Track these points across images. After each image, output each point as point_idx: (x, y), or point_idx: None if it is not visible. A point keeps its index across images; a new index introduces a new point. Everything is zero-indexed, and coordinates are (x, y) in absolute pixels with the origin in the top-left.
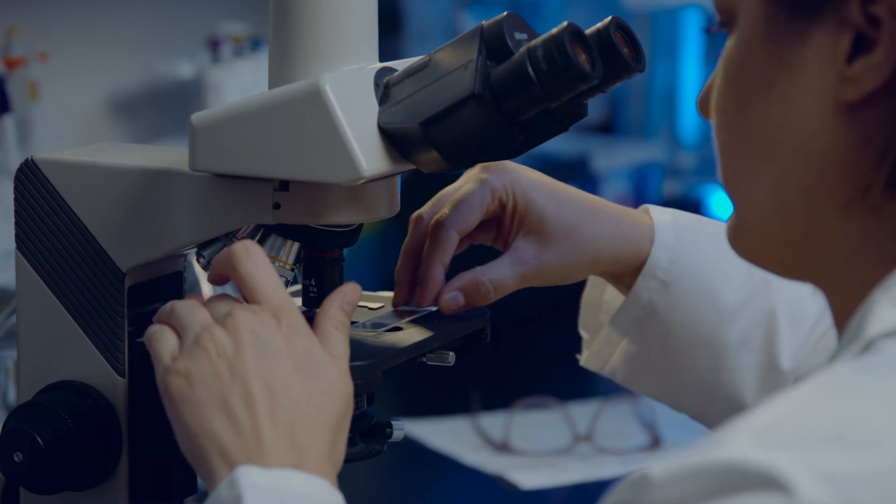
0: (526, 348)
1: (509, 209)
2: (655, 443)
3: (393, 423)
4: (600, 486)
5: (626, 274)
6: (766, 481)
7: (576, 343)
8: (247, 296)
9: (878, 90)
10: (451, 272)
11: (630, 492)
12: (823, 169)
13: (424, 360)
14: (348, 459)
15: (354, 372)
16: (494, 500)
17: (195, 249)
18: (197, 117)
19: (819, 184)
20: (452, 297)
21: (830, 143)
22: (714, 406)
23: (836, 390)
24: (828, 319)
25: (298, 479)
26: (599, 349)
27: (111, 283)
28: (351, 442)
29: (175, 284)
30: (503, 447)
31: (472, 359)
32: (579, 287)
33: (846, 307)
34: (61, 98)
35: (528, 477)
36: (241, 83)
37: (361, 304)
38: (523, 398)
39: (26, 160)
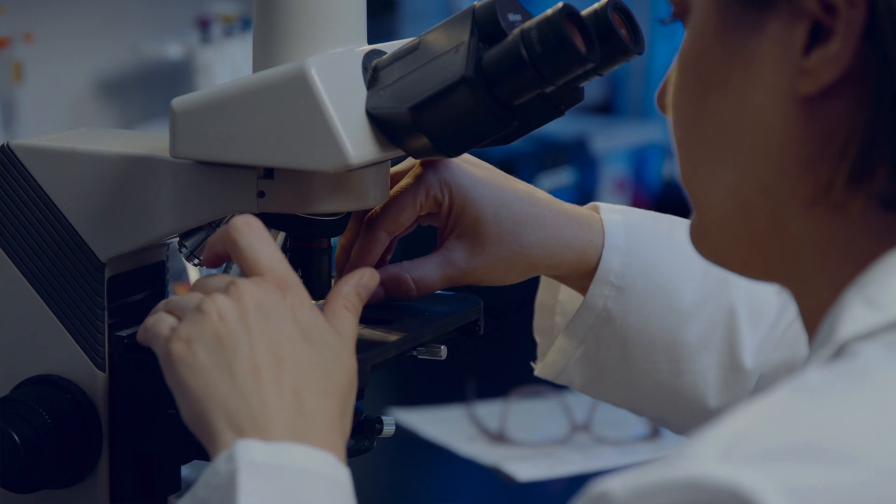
0: (523, 335)
1: (444, 207)
2: (655, 433)
3: (383, 418)
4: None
5: (570, 277)
6: (732, 499)
7: None
8: (248, 269)
9: (836, 82)
10: (411, 252)
11: None
12: (784, 165)
13: (415, 353)
14: None
15: None
16: (490, 493)
17: (177, 239)
18: (178, 102)
19: (780, 181)
20: (375, 289)
21: (790, 138)
22: (676, 410)
23: (807, 400)
24: (791, 312)
25: (301, 453)
26: (554, 360)
27: (90, 273)
28: None
29: (157, 275)
30: (499, 437)
31: (468, 346)
32: None
33: (815, 308)
34: (47, 80)
35: (524, 468)
36: (231, 64)
37: None
38: (520, 386)
39: (1, 146)
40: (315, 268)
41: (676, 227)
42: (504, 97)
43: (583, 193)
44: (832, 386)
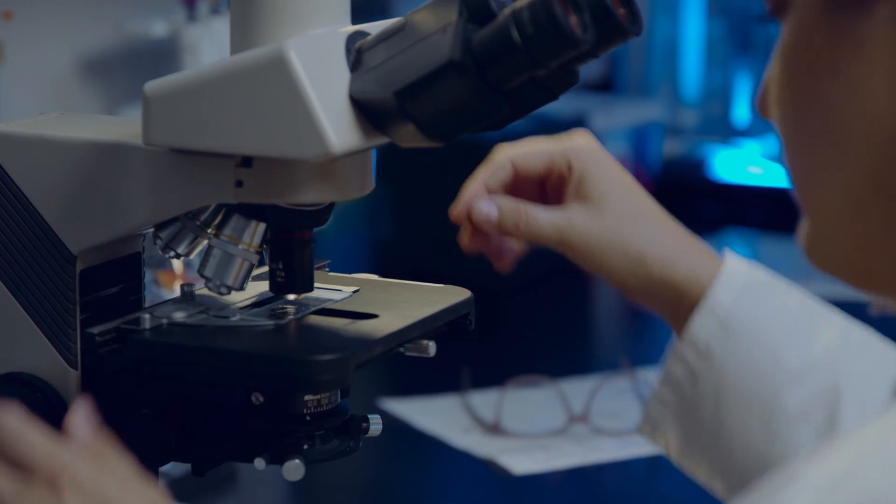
0: (519, 322)
1: (576, 172)
2: None
3: (370, 416)
4: (596, 471)
5: (672, 300)
6: None
7: (572, 316)
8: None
9: None
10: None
11: None
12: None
13: (402, 350)
14: (320, 459)
15: (323, 367)
16: (485, 487)
17: (152, 230)
18: (151, 87)
19: (894, 175)
20: (488, 208)
21: None
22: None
23: None
24: None
25: None
26: (651, 411)
27: (61, 266)
28: (324, 439)
29: (133, 267)
30: (494, 428)
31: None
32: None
33: None
34: (27, 60)
35: (520, 461)
36: (218, 43)
37: (334, 287)
38: (516, 376)
39: None
40: (298, 260)
41: (796, 290)
42: (494, 81)
43: None
44: None
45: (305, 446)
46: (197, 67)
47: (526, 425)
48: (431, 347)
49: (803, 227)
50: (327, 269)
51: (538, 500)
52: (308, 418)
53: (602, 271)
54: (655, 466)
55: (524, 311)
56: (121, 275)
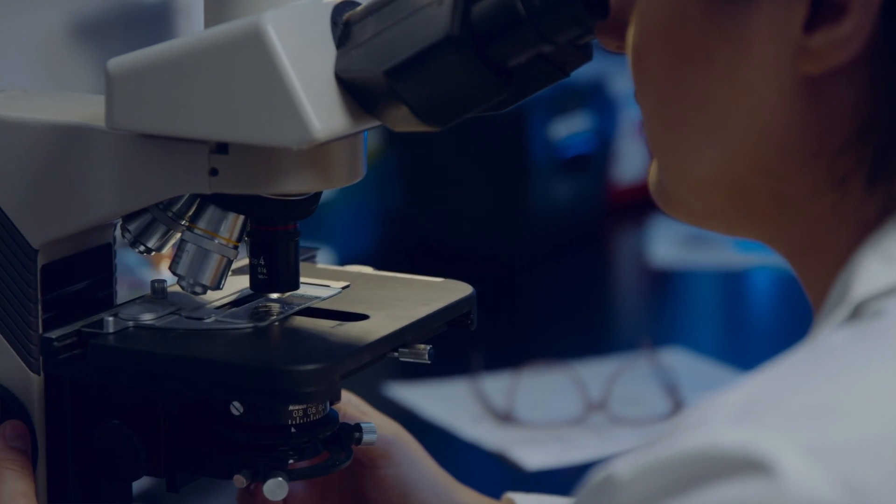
0: (534, 301)
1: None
2: (678, 411)
3: (362, 425)
4: None
5: None
6: (747, 464)
7: (588, 290)
8: None
9: (847, 64)
10: None
11: (594, 497)
12: (786, 147)
13: (396, 355)
14: (307, 475)
15: (305, 378)
16: (495, 483)
17: (120, 222)
18: (114, 64)
19: (782, 163)
20: None
21: (791, 118)
22: None
23: (827, 359)
24: None
25: None
26: None
27: (20, 261)
28: (313, 450)
29: (102, 259)
30: (506, 417)
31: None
32: (597, 228)
33: (824, 279)
34: (15, 25)
35: (533, 455)
36: None
37: (322, 282)
38: (530, 359)
39: None
40: (281, 254)
41: None
42: (497, 59)
43: (601, 139)
44: (854, 345)
45: (290, 461)
46: (166, 43)
47: (540, 414)
48: (428, 352)
49: (659, 182)
50: (316, 260)
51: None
52: (293, 430)
53: None
54: None
55: (538, 286)
56: (89, 268)
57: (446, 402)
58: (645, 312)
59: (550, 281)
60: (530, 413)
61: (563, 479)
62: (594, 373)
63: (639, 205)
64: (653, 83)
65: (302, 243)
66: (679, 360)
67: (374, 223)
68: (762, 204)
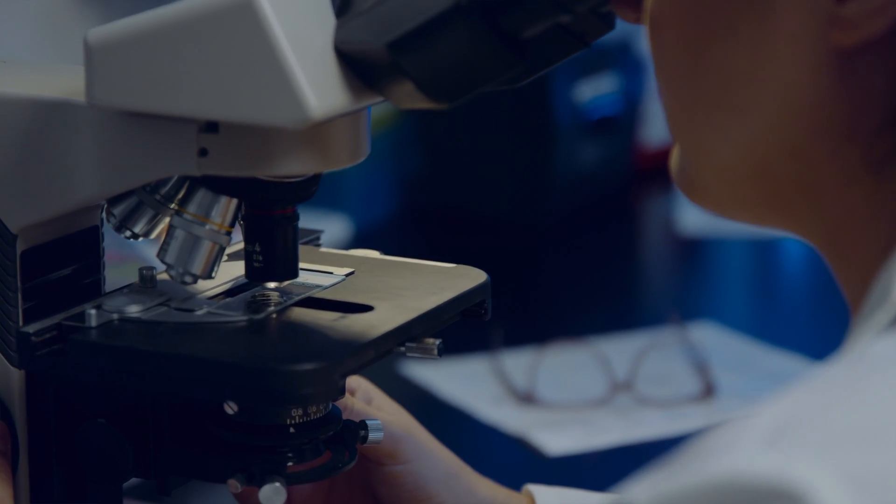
0: (558, 275)
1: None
2: (708, 391)
3: (368, 423)
4: (641, 450)
5: None
6: (780, 495)
7: (615, 266)
8: None
9: (884, 35)
10: None
11: None
12: (817, 127)
13: (403, 350)
14: (307, 479)
15: (303, 378)
16: (515, 469)
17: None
18: (95, 35)
19: (813, 144)
20: None
21: (822, 96)
22: None
23: (873, 375)
24: None
25: None
26: None
27: None
28: (314, 451)
29: (89, 243)
30: (528, 398)
31: (496, 286)
32: (624, 193)
33: (861, 272)
34: None
35: (555, 439)
36: None
37: (325, 268)
38: (552, 335)
39: None
40: (279, 240)
41: None
42: (510, 29)
43: (628, 100)
44: None
45: (289, 464)
46: (150, 11)
47: (563, 394)
48: (437, 347)
49: (682, 168)
50: (320, 243)
51: (572, 485)
52: (292, 430)
53: None
54: None
55: (562, 256)
56: (74, 253)
57: (464, 382)
58: (673, 284)
59: (575, 250)
60: (553, 393)
61: (585, 465)
62: (620, 351)
63: (667, 169)
64: (671, 58)
65: (311, 215)
66: (709, 336)
67: (391, 188)
68: (791, 191)
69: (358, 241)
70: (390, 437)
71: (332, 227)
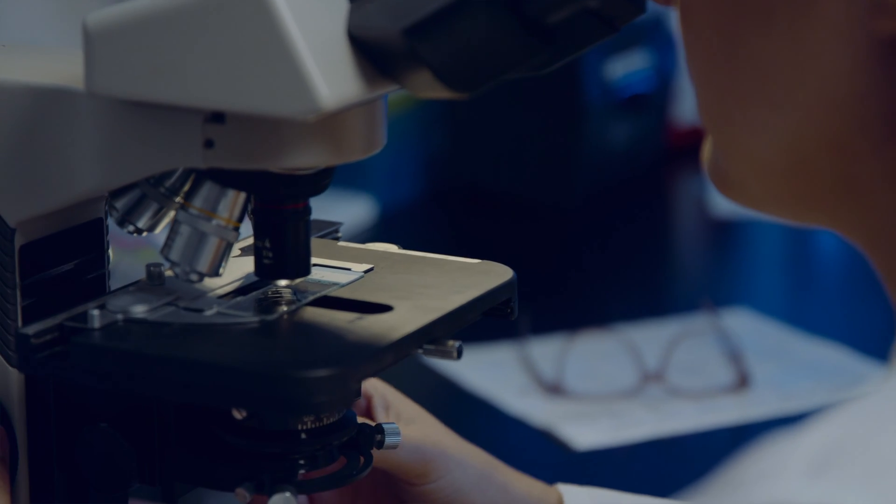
0: (590, 258)
1: None
2: (743, 381)
3: (384, 426)
4: (672, 444)
5: None
6: None
7: (645, 249)
8: None
9: None
10: None
11: None
12: (861, 121)
13: (421, 352)
14: (320, 488)
15: (316, 385)
16: (541, 464)
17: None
18: (94, 20)
19: (856, 139)
20: None
21: (866, 88)
22: None
23: None
24: None
25: None
26: None
27: None
28: (329, 457)
29: (93, 236)
30: (555, 389)
31: (523, 271)
32: (655, 173)
33: None
34: None
35: (583, 432)
36: None
37: (341, 264)
38: (581, 322)
39: None
40: (290, 236)
41: None
42: (533, 14)
43: (661, 77)
44: None
45: (301, 471)
46: None
47: (591, 385)
48: (457, 350)
49: (716, 163)
50: (338, 236)
51: (601, 481)
52: (304, 436)
53: None
54: (743, 436)
55: (591, 238)
56: (77, 247)
57: (489, 371)
58: (706, 269)
59: (604, 233)
60: (581, 384)
61: (614, 459)
62: (650, 338)
63: (700, 148)
64: (704, 45)
65: (333, 197)
66: (743, 323)
67: (415, 169)
68: (832, 188)
69: (382, 223)
70: (421, 457)
71: (355, 208)
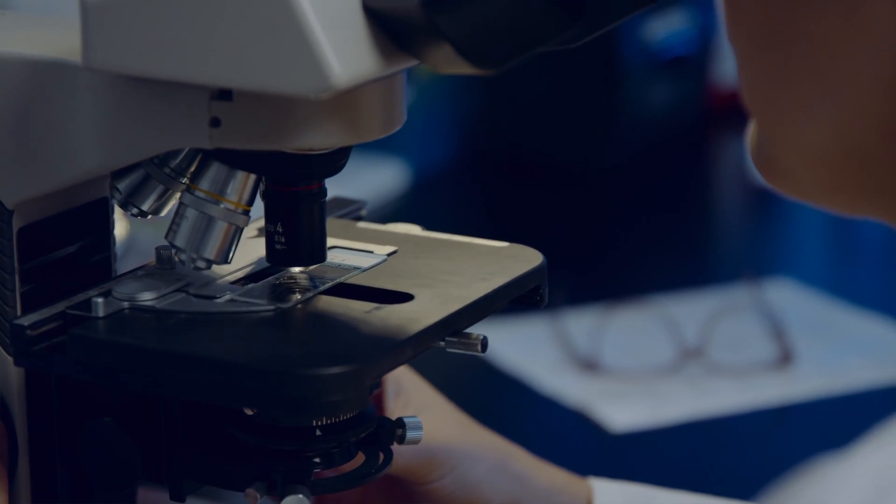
0: (627, 227)
1: None
2: (786, 357)
3: (406, 420)
4: (712, 425)
5: None
6: None
7: (684, 216)
8: None
9: None
10: None
11: None
12: None
13: (443, 344)
14: (335, 488)
15: (330, 384)
16: (575, 446)
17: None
18: None
19: None
20: None
21: None
22: None
23: None
24: None
25: None
26: None
27: None
28: (346, 454)
29: (97, 216)
30: (591, 366)
31: (557, 239)
32: (695, 136)
33: None
34: None
35: (619, 412)
36: None
37: (362, 247)
38: (617, 294)
39: None
40: (304, 220)
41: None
42: None
43: (703, 38)
44: None
45: (315, 471)
46: None
47: (628, 360)
48: (481, 343)
49: (760, 147)
50: (362, 215)
51: (637, 464)
52: (319, 433)
53: None
54: (786, 416)
55: (628, 206)
56: (80, 229)
57: (522, 346)
58: (747, 237)
59: (641, 200)
60: (617, 360)
61: (651, 441)
62: (689, 312)
63: (742, 110)
64: (748, 21)
65: (364, 159)
66: (786, 296)
67: (449, 131)
68: (887, 177)
69: (415, 186)
70: (424, 456)
71: (386, 171)
